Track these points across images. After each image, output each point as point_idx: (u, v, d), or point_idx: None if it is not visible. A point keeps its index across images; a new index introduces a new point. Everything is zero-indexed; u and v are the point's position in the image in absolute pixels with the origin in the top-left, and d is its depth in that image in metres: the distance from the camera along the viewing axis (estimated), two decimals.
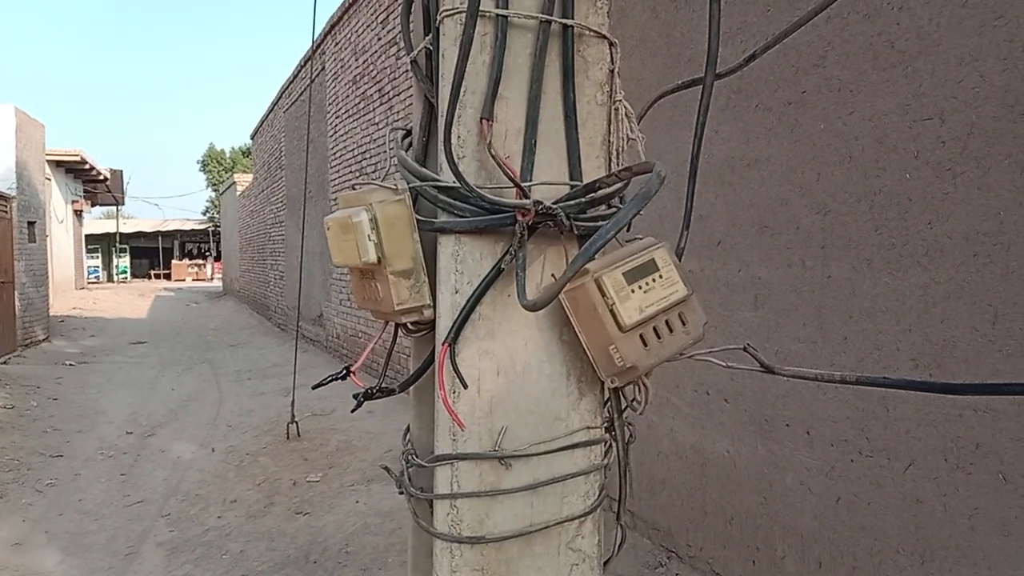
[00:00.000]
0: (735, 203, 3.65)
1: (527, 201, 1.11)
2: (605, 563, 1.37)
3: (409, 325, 1.26)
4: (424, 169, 1.22)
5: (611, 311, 1.11)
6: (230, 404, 9.22)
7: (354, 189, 1.26)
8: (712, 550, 3.89)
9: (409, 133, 1.37)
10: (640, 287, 1.14)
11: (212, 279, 41.93)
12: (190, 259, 47.83)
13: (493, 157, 1.11)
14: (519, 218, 1.12)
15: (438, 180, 1.18)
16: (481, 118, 1.13)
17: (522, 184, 1.15)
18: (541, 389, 1.22)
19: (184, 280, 42.96)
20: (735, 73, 1.45)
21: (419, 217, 1.21)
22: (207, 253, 47.18)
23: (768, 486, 3.49)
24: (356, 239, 1.18)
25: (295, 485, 5.96)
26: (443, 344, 1.16)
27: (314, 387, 1.43)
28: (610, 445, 1.30)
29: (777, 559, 3.44)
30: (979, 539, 2.58)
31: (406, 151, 1.32)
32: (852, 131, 2.99)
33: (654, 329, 1.15)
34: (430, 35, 1.22)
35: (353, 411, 1.30)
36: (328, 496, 5.68)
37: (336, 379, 1.34)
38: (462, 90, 1.15)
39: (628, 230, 1.31)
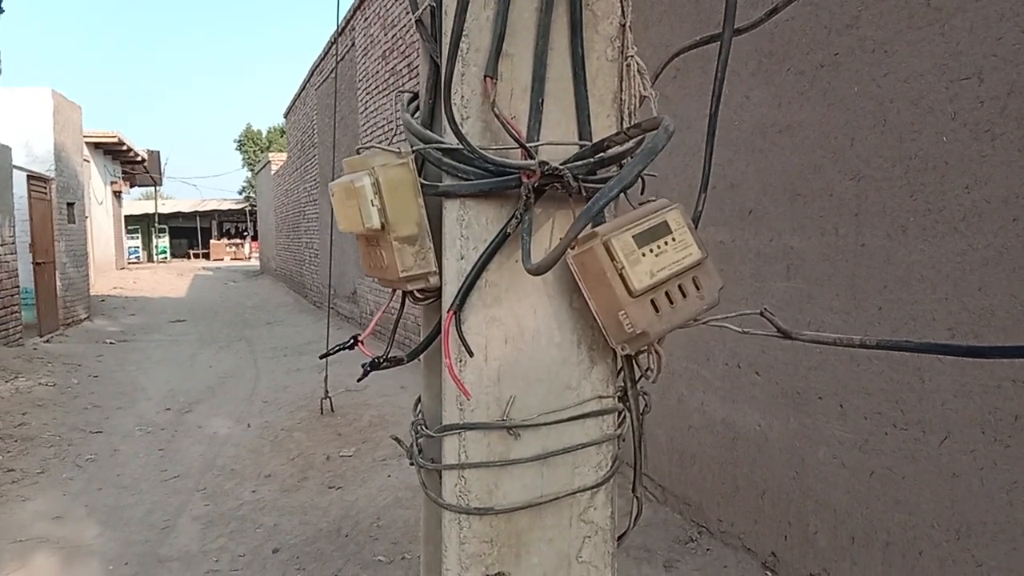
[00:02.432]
0: (766, 170, 3.56)
1: (531, 162, 1.06)
2: (621, 536, 1.34)
3: (416, 293, 1.23)
4: (428, 132, 1.18)
5: (620, 275, 1.06)
6: (266, 380, 9.32)
7: (358, 153, 1.23)
8: (743, 525, 3.84)
9: (417, 96, 1.33)
10: (651, 250, 1.09)
11: (249, 258, 42.42)
12: (228, 238, 48.37)
13: (497, 116, 1.07)
14: (524, 180, 1.08)
15: (442, 142, 1.14)
16: (485, 76, 1.09)
17: (529, 145, 1.11)
18: (551, 357, 1.18)
19: (222, 259, 43.48)
20: (756, 28, 1.38)
21: (424, 182, 1.17)
22: (244, 232, 47.69)
23: (800, 460, 3.43)
24: (359, 204, 1.15)
25: (328, 460, 6.02)
26: (448, 312, 1.13)
27: (321, 356, 1.41)
28: (624, 415, 1.26)
29: (809, 534, 3.38)
30: (1018, 514, 2.50)
31: (413, 114, 1.28)
32: (887, 93, 2.88)
33: (666, 294, 1.10)
34: None
35: (359, 380, 1.27)
36: (360, 470, 5.73)
37: (344, 348, 1.31)
38: (465, 47, 1.11)
39: (642, 192, 1.26)
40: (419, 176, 1.19)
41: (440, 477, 1.21)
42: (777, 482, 3.59)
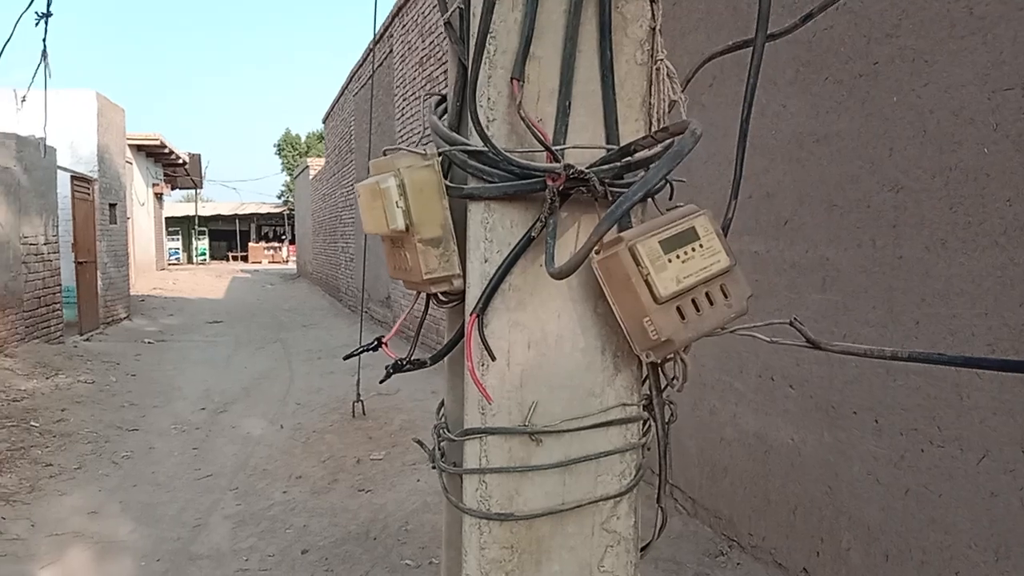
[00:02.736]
0: (803, 180, 3.51)
1: (557, 165, 1.05)
2: (645, 547, 1.32)
3: (440, 295, 1.22)
4: (454, 134, 1.18)
5: (646, 281, 1.04)
6: (300, 382, 9.41)
7: (385, 155, 1.23)
8: (775, 540, 3.78)
9: (445, 99, 1.33)
10: (678, 256, 1.07)
11: (287, 261, 42.89)
12: (266, 242, 48.98)
13: (523, 119, 1.06)
14: (549, 183, 1.06)
15: (467, 144, 1.13)
16: (512, 78, 1.08)
17: (555, 148, 1.10)
18: (574, 363, 1.17)
19: (260, 262, 44.02)
20: (790, 34, 1.36)
21: (450, 184, 1.17)
22: (283, 236, 48.25)
23: (834, 475, 3.37)
24: (384, 206, 1.14)
25: (359, 463, 6.05)
26: (471, 315, 1.12)
27: (345, 358, 1.41)
28: (649, 424, 1.24)
29: (842, 551, 3.32)
30: None
31: (440, 117, 1.28)
32: (926, 103, 2.83)
33: (693, 301, 1.09)
34: None
35: (381, 382, 1.27)
36: (390, 474, 5.74)
37: (367, 350, 1.31)
38: (492, 49, 1.10)
39: (671, 198, 1.25)
40: (445, 179, 1.18)
41: (461, 481, 1.20)
42: (810, 497, 3.52)
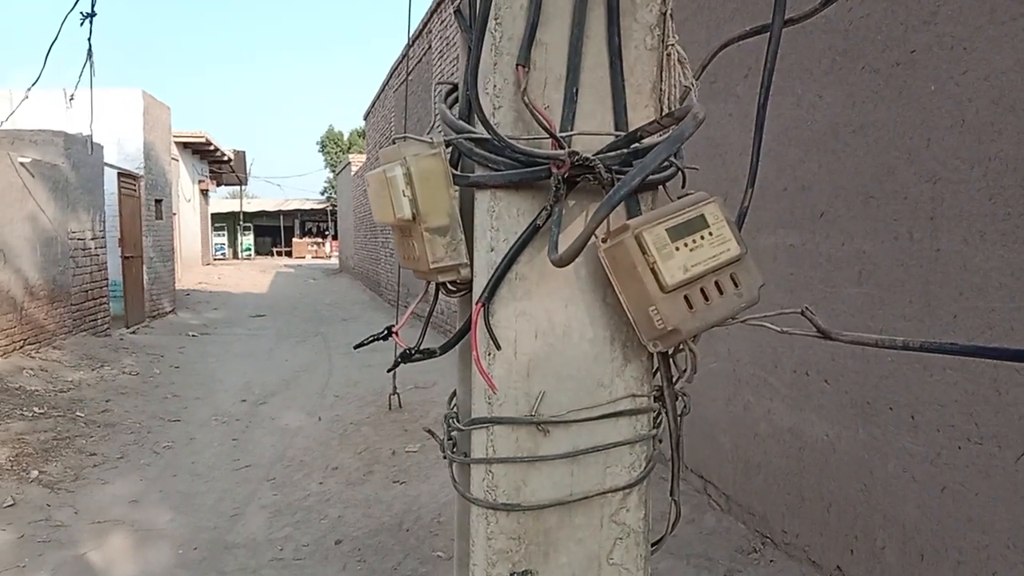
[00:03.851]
0: (839, 172, 3.44)
1: (561, 152, 1.04)
2: (658, 541, 1.30)
3: (448, 284, 1.22)
4: (461, 122, 1.17)
5: (652, 270, 1.03)
6: (338, 375, 9.50)
7: (394, 143, 1.23)
8: (809, 537, 3.72)
9: (455, 88, 1.32)
10: (686, 244, 1.05)
11: (330, 257, 43.34)
12: (310, 237, 49.53)
13: (527, 105, 1.05)
14: (554, 171, 1.05)
15: (473, 132, 1.13)
16: (517, 65, 1.07)
17: (562, 135, 1.08)
18: (582, 353, 1.15)
19: (304, 257, 44.56)
20: (809, 19, 1.33)
21: (457, 172, 1.16)
22: (326, 232, 48.74)
23: (869, 472, 3.31)
24: (391, 195, 1.14)
25: (394, 455, 6.08)
26: (477, 304, 1.12)
27: (356, 347, 1.41)
28: (660, 415, 1.22)
29: (877, 549, 3.25)
30: None
31: (451, 107, 1.28)
32: (965, 92, 2.75)
33: (701, 290, 1.06)
34: None
35: (389, 371, 1.27)
36: (424, 466, 5.77)
37: (377, 339, 1.31)
38: (498, 35, 1.09)
39: (683, 186, 1.23)
40: (456, 168, 1.18)
41: (469, 471, 1.20)
42: (844, 494, 3.46)
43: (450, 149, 1.20)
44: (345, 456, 6.15)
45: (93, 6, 6.08)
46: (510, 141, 1.06)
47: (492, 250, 1.13)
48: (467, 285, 1.21)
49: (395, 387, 7.32)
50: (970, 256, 2.76)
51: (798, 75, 3.60)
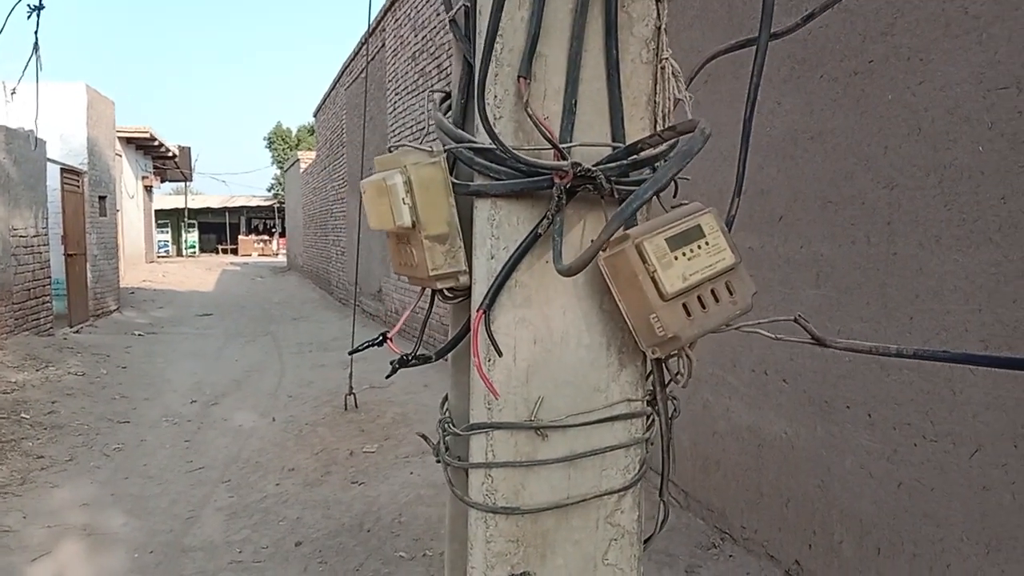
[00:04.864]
0: (797, 177, 3.53)
1: (564, 163, 1.06)
2: (647, 540, 1.33)
3: (445, 291, 1.23)
4: (460, 131, 1.18)
5: (652, 278, 1.05)
6: (291, 375, 9.40)
7: (391, 152, 1.23)
8: (767, 533, 3.81)
9: (448, 96, 1.33)
10: (684, 254, 1.08)
11: (277, 254, 42.77)
12: (256, 235, 48.83)
13: (530, 116, 1.07)
14: (556, 181, 1.07)
15: (474, 141, 1.14)
16: (518, 76, 1.09)
17: (562, 146, 1.10)
18: (579, 359, 1.18)
19: (250, 255, 43.89)
20: (792, 34, 1.37)
21: (456, 181, 1.18)
22: (272, 229, 48.08)
23: (826, 469, 3.40)
24: (390, 202, 1.15)
25: (351, 455, 6.05)
26: (478, 311, 1.13)
27: (350, 353, 1.42)
28: (652, 419, 1.26)
29: (834, 544, 3.35)
30: None
31: (445, 114, 1.29)
32: (921, 102, 2.85)
33: (698, 298, 1.10)
34: None
35: (387, 377, 1.28)
36: (383, 467, 5.75)
37: (372, 345, 1.32)
38: (499, 47, 1.11)
39: (675, 196, 1.26)
40: (450, 175, 1.19)
41: (467, 476, 1.21)
42: (802, 490, 3.55)
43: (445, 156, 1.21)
44: (301, 457, 6.10)
45: None
46: (514, 152, 1.07)
47: (492, 258, 1.14)
48: (464, 292, 1.22)
49: (351, 387, 7.27)
50: (926, 260, 2.85)
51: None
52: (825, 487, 3.40)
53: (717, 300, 1.12)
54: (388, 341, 1.30)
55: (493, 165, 1.12)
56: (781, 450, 3.70)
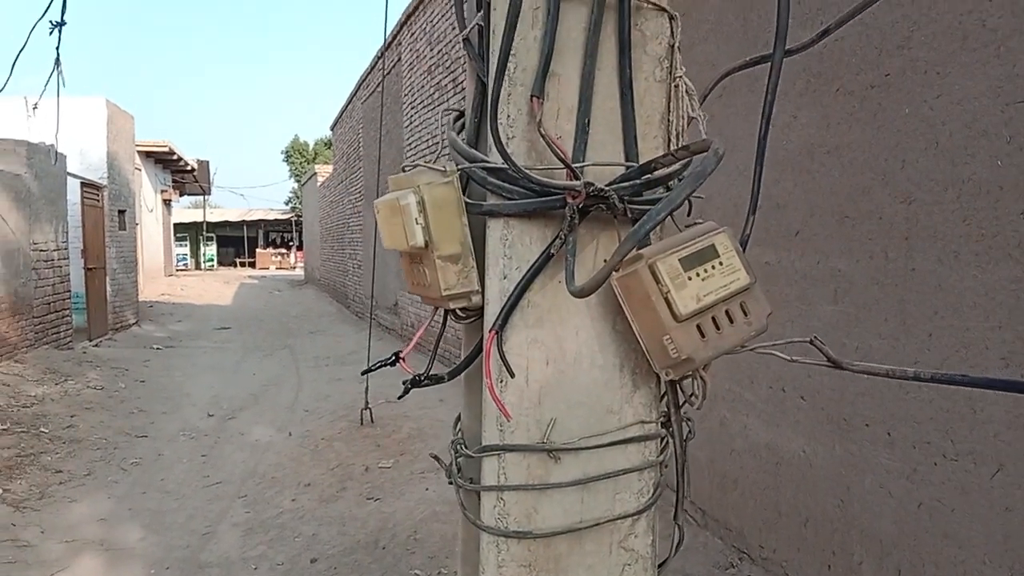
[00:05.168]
0: (814, 192, 3.50)
1: (577, 183, 1.06)
2: (662, 564, 1.32)
3: (458, 311, 1.23)
4: (473, 151, 1.18)
5: (666, 299, 1.04)
6: (308, 389, 9.41)
7: (404, 171, 1.23)
8: (786, 552, 3.76)
9: (462, 114, 1.33)
10: (698, 274, 1.07)
11: (295, 268, 42.98)
12: (274, 248, 49.11)
13: (543, 136, 1.06)
14: (569, 201, 1.07)
15: (487, 161, 1.13)
16: (531, 96, 1.09)
17: (575, 165, 1.10)
18: (592, 380, 1.16)
19: (268, 268, 44.12)
20: (807, 49, 1.36)
21: (468, 200, 1.17)
22: (290, 242, 48.36)
23: (845, 488, 3.35)
24: (403, 222, 1.15)
25: (367, 471, 6.04)
26: (490, 331, 1.12)
27: (363, 373, 1.41)
28: (667, 441, 1.24)
29: (854, 564, 3.30)
30: None
31: (458, 133, 1.28)
32: (939, 116, 2.82)
33: (713, 319, 1.08)
34: (482, 11, 1.18)
35: (400, 397, 1.27)
36: (399, 483, 5.73)
37: (385, 365, 1.31)
38: (512, 66, 1.11)
39: (689, 214, 1.25)
40: (463, 195, 1.19)
41: (479, 498, 1.20)
42: (821, 510, 3.51)
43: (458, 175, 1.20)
44: (317, 472, 6.09)
45: (63, 15, 5.97)
46: (527, 172, 1.07)
47: (505, 278, 1.14)
48: (477, 312, 1.22)
49: (367, 401, 7.27)
50: (945, 276, 2.82)
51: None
52: (844, 506, 3.36)
53: (732, 321, 1.10)
54: (401, 361, 1.29)
55: (506, 185, 1.11)
56: (799, 468, 3.66)
